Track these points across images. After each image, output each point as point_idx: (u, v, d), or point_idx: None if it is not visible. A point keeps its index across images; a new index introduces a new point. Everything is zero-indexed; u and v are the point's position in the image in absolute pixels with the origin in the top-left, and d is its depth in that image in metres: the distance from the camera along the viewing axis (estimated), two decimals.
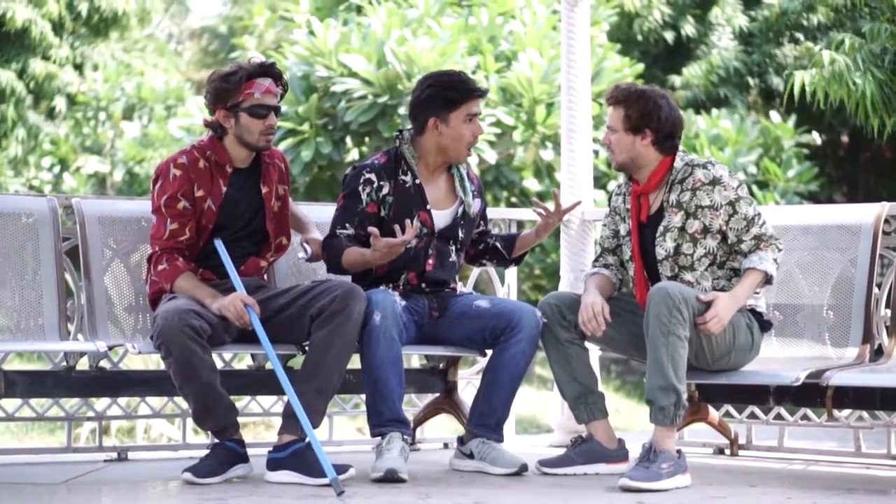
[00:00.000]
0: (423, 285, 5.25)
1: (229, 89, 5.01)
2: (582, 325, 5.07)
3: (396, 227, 5.05)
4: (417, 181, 5.23)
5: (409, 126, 5.32)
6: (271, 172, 5.17)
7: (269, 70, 5.06)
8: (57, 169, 20.63)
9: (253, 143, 5.05)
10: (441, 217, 5.26)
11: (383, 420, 4.98)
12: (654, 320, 4.82)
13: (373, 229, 5.00)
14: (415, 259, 5.21)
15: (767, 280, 5.03)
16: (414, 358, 6.09)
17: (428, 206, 5.22)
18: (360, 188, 5.18)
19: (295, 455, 4.81)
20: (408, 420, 5.07)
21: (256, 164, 5.15)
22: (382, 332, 4.93)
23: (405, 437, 4.98)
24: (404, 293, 5.20)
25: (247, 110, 5.01)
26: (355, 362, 5.03)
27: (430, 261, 5.24)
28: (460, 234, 5.30)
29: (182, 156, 5.06)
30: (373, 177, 5.19)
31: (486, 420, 5.25)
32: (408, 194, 5.21)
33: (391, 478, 4.82)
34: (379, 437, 4.99)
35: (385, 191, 5.19)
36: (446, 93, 5.18)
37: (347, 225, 5.19)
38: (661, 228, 5.06)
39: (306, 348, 4.95)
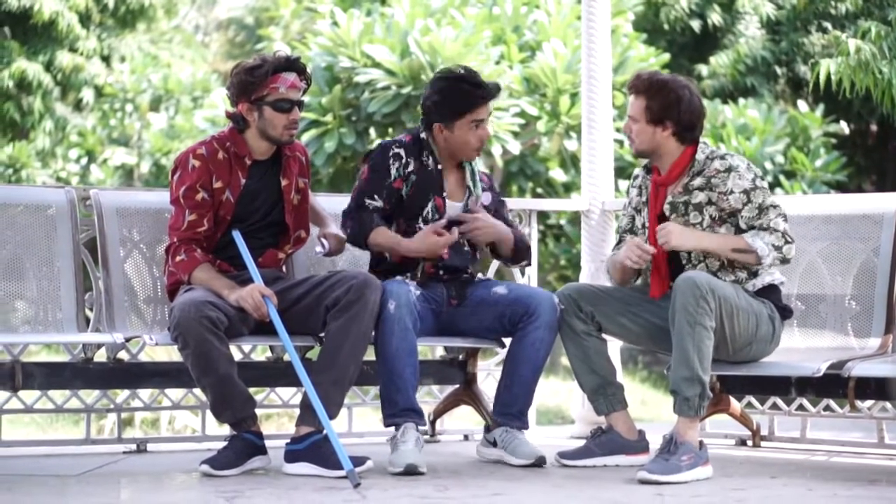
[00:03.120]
0: (441, 273, 5.23)
1: (254, 82, 4.98)
2: (633, 264, 5.02)
3: (441, 229, 5.07)
4: (440, 167, 5.23)
5: None
6: (291, 165, 5.14)
7: (294, 64, 5.03)
8: (84, 161, 20.70)
9: (276, 137, 5.03)
10: (453, 208, 5.25)
11: (397, 410, 4.95)
12: (681, 310, 4.78)
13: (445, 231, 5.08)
14: None
15: (758, 260, 4.93)
16: (438, 349, 6.06)
17: (444, 194, 5.22)
18: (391, 162, 5.18)
19: (312, 447, 4.79)
20: (422, 410, 5.03)
21: (277, 156, 5.12)
22: (397, 322, 4.91)
23: (419, 427, 4.96)
24: (422, 282, 5.19)
25: (271, 104, 4.98)
26: (373, 353, 5.02)
27: (446, 249, 5.21)
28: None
29: (201, 147, 5.04)
30: (402, 152, 5.19)
31: (509, 409, 5.25)
32: (430, 177, 5.21)
33: (411, 472, 4.79)
34: (392, 428, 4.97)
35: (410, 168, 5.19)
36: (451, 104, 5.14)
37: (376, 196, 5.18)
38: (667, 206, 5.04)
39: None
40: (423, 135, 5.25)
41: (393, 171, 5.18)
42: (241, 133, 5.06)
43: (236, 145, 5.05)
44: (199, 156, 5.01)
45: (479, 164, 5.37)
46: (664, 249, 5.04)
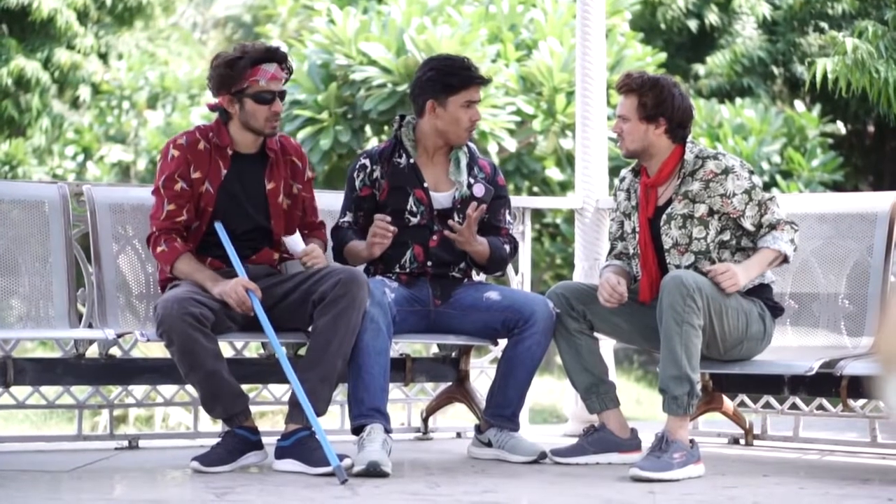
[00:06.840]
0: (429, 264, 5.22)
1: (233, 76, 4.95)
2: (605, 302, 5.03)
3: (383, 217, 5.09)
4: (412, 161, 5.23)
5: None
6: (279, 168, 5.08)
7: (274, 55, 4.99)
8: (80, 158, 20.72)
9: (258, 128, 5.00)
10: (439, 199, 5.24)
11: (364, 409, 4.87)
12: (668, 309, 4.78)
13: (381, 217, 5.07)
14: (419, 234, 5.20)
15: (784, 259, 4.97)
16: (432, 347, 6.05)
17: (425, 185, 5.22)
18: (356, 175, 5.26)
19: (298, 443, 4.78)
20: (388, 415, 4.94)
21: (264, 154, 5.09)
22: (369, 320, 4.90)
23: (387, 430, 4.88)
24: (409, 280, 5.20)
25: (252, 96, 4.95)
26: None
27: (434, 237, 5.22)
28: (456, 218, 5.23)
29: (183, 136, 5.03)
30: (367, 162, 5.25)
31: (503, 411, 5.26)
32: (402, 174, 5.22)
33: (373, 471, 4.66)
34: (359, 430, 4.87)
35: (377, 174, 5.22)
36: (447, 78, 5.17)
37: (347, 213, 5.27)
38: (664, 217, 5.02)
39: None
40: (400, 132, 5.25)
41: (357, 183, 5.24)
42: (226, 124, 5.04)
43: (219, 135, 5.01)
44: (178, 146, 4.99)
45: (493, 154, 5.40)
46: (654, 255, 5.05)
